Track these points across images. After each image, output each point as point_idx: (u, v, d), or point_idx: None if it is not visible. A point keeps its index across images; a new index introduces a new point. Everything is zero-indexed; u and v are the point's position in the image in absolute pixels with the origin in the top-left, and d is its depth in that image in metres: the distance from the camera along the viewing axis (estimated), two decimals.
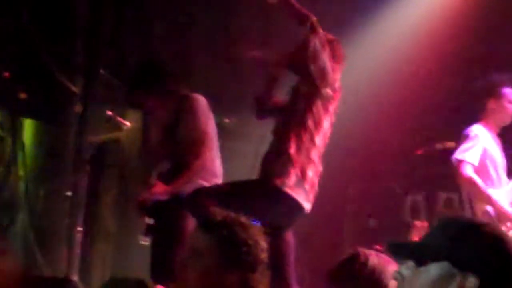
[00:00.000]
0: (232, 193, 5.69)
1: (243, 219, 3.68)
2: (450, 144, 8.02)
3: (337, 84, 5.90)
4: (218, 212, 3.76)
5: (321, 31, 5.74)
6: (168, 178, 6.05)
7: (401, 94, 8.82)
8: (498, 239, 2.25)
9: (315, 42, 5.67)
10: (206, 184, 6.02)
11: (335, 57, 5.91)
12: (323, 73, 5.73)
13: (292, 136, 5.68)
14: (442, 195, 8.02)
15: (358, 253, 3.52)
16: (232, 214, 3.68)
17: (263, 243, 3.60)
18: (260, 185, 5.79)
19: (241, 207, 5.26)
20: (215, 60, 8.21)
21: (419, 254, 2.25)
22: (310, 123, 5.72)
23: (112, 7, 7.76)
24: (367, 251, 3.54)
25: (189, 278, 3.59)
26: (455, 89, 8.77)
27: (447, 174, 8.05)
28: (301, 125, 5.71)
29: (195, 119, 6.03)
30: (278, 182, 5.62)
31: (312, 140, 5.75)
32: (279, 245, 5.67)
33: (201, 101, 6.12)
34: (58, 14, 7.31)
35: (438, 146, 7.88)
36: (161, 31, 8.16)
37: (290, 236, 5.91)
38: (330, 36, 5.96)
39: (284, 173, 5.62)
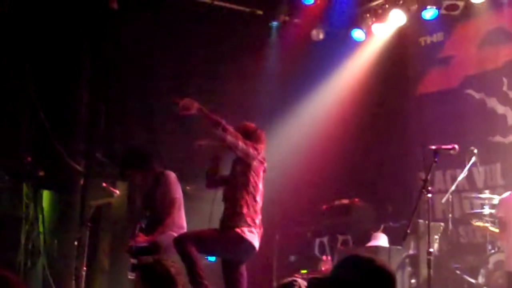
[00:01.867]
0: (206, 238, 6.43)
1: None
2: (345, 201, 9.22)
3: (261, 157, 6.57)
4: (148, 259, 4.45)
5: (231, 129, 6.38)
6: (147, 231, 7.03)
7: (311, 164, 9.97)
8: (383, 269, 2.80)
9: (228, 138, 6.37)
10: (175, 234, 6.79)
11: (258, 140, 6.65)
12: (246, 153, 6.45)
13: (241, 199, 6.44)
14: (340, 237, 9.24)
15: (295, 280, 4.05)
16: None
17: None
18: (225, 233, 6.42)
19: (212, 248, 6.40)
20: (177, 145, 9.14)
21: (331, 285, 2.78)
22: (250, 188, 6.51)
23: (103, 111, 8.82)
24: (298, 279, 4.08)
25: None
26: (349, 159, 10.20)
27: (343, 222, 9.24)
28: (245, 190, 6.48)
29: (167, 189, 7.07)
30: (238, 231, 6.35)
31: (254, 199, 6.52)
32: (236, 277, 6.54)
33: (172, 175, 7.19)
34: (65, 115, 8.43)
35: (337, 202, 9.30)
36: (137, 127, 9.22)
37: (243, 269, 6.59)
38: (253, 126, 6.76)
39: (241, 225, 6.38)
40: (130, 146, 7.75)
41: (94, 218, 7.97)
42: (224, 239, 6.45)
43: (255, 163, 6.56)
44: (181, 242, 6.35)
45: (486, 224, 7.77)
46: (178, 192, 7.19)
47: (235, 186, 6.56)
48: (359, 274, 2.77)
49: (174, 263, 4.36)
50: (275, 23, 10.55)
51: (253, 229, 6.47)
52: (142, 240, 7.00)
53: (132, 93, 9.51)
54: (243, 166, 6.55)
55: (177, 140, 9.28)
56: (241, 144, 6.42)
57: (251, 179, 6.55)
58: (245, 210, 6.46)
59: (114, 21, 9.21)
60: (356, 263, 2.82)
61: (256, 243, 6.47)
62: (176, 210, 7.13)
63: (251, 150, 6.48)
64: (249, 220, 6.46)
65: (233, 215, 6.48)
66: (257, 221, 6.53)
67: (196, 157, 8.32)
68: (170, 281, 4.15)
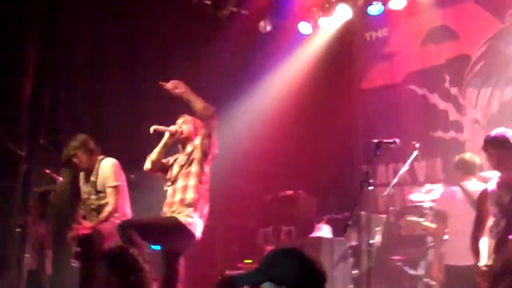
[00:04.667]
0: (150, 226, 6.38)
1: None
2: (289, 192, 9.33)
3: (216, 150, 6.61)
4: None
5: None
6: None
7: (256, 155, 10.03)
8: (303, 258, 2.78)
9: (215, 123, 6.48)
10: (118, 221, 6.71)
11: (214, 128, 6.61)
12: (209, 144, 6.51)
13: (193, 188, 6.43)
14: (284, 228, 9.23)
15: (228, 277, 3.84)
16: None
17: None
18: (171, 221, 6.36)
19: (156, 236, 6.30)
20: (124, 132, 9.13)
21: (252, 279, 2.79)
22: (203, 178, 6.52)
23: (49, 91, 8.68)
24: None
25: None
26: (293, 152, 10.32)
27: (287, 213, 9.32)
28: (198, 179, 6.48)
29: (110, 176, 7.08)
30: (183, 220, 6.30)
31: (206, 189, 6.55)
32: (175, 266, 6.47)
33: (114, 162, 7.20)
34: (8, 99, 8.23)
35: (281, 194, 9.40)
36: (84, 113, 9.11)
37: (182, 259, 6.51)
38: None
39: (188, 214, 6.36)
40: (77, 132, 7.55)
41: (37, 204, 7.92)
42: (168, 227, 6.42)
43: (210, 156, 6.62)
44: (124, 228, 6.28)
45: (419, 219, 7.82)
46: (120, 179, 7.19)
47: (188, 173, 6.56)
48: (275, 265, 2.79)
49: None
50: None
51: (200, 220, 6.48)
52: (85, 226, 6.98)
53: (80, 78, 9.36)
54: (200, 155, 6.58)
55: (124, 127, 9.25)
56: (212, 137, 6.53)
57: (205, 169, 6.59)
58: (195, 199, 6.46)
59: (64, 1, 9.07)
60: (278, 256, 2.83)
61: (199, 234, 6.48)
62: (120, 197, 7.12)
63: (213, 143, 6.57)
64: (197, 209, 6.46)
65: (182, 202, 6.48)
66: (205, 211, 6.56)
67: (142, 145, 8.27)
68: (138, 268, 4.18)
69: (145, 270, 4.18)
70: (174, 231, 6.40)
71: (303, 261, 2.78)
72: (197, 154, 6.59)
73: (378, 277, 7.09)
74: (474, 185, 7.12)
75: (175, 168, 6.70)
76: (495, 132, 5.78)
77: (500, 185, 5.73)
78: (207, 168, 6.62)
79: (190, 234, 6.41)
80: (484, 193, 5.87)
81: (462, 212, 6.98)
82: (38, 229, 8.77)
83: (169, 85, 6.62)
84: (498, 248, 5.58)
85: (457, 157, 7.51)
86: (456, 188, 7.34)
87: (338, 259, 8.05)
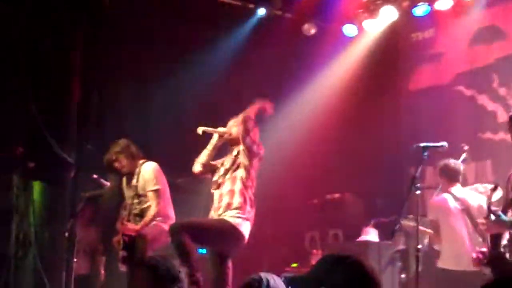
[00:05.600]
0: (201, 228, 6.47)
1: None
2: (336, 195, 9.41)
3: (262, 153, 6.73)
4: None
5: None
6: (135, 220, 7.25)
7: (303, 158, 10.10)
8: (360, 266, 2.76)
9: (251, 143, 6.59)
10: (161, 224, 7.07)
11: (256, 132, 6.77)
12: (255, 153, 6.63)
13: (239, 192, 6.51)
14: (331, 231, 9.32)
15: (260, 277, 4.04)
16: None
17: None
18: (221, 224, 6.46)
19: (207, 239, 6.41)
20: (169, 137, 9.21)
21: (306, 284, 2.77)
22: (249, 183, 6.60)
23: (96, 97, 8.80)
24: (266, 275, 4.08)
25: None
26: (340, 155, 10.29)
27: (334, 216, 9.43)
28: (243, 184, 6.56)
29: (151, 180, 7.27)
30: (234, 223, 6.41)
31: (251, 193, 6.63)
32: (225, 270, 6.58)
33: (154, 165, 7.37)
34: (57, 106, 8.41)
35: (328, 197, 9.46)
36: (130, 119, 9.21)
37: (230, 263, 6.63)
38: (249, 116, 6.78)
39: (237, 217, 6.45)
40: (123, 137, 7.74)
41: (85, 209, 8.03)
42: (219, 228, 6.50)
43: (255, 161, 6.72)
44: (176, 231, 6.37)
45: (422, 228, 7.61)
46: (161, 182, 7.34)
47: (234, 178, 6.64)
48: (335, 273, 2.77)
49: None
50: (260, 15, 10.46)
51: (248, 222, 6.57)
52: (129, 229, 7.18)
53: (126, 85, 9.47)
54: (245, 160, 6.65)
55: (170, 132, 9.31)
56: (255, 146, 6.67)
57: (252, 174, 6.67)
58: (242, 203, 6.54)
59: (108, 13, 9.11)
60: (334, 263, 2.82)
61: (247, 235, 6.58)
62: (161, 200, 7.28)
63: (259, 151, 6.70)
64: (245, 213, 6.54)
65: (229, 206, 6.55)
66: (251, 214, 6.63)
67: (188, 150, 8.40)
68: (177, 279, 4.25)
69: (183, 282, 4.25)
70: (225, 232, 6.49)
71: (359, 269, 2.77)
72: (242, 159, 6.66)
73: (426, 281, 7.03)
74: (461, 192, 7.27)
75: (221, 172, 6.78)
76: None
77: None
78: (253, 172, 6.69)
79: (240, 235, 6.51)
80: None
81: (455, 219, 7.12)
82: (88, 234, 8.99)
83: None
84: None
85: (441, 163, 7.54)
86: (447, 196, 7.38)
87: (385, 264, 8.00)
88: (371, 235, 8.53)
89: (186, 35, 9.88)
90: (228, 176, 6.69)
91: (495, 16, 9.57)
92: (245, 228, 6.55)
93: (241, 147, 6.68)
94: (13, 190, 7.62)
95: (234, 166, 6.70)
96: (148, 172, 7.37)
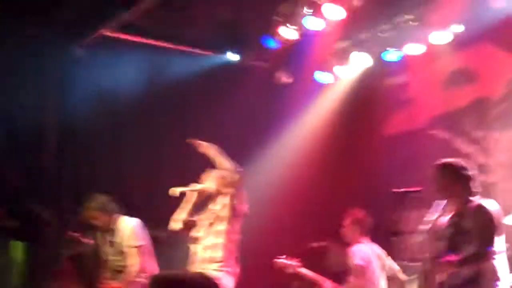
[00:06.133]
0: (178, 281, 6.35)
1: None
2: (320, 243, 9.20)
3: (246, 206, 6.67)
4: None
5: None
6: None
7: (283, 206, 10.11)
8: None
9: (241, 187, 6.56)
10: (145, 281, 6.78)
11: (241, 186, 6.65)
12: (239, 202, 6.58)
13: (224, 247, 6.44)
14: None
15: None
16: None
17: None
18: (199, 277, 6.34)
19: None
20: (148, 191, 9.23)
21: None
22: (233, 237, 6.53)
23: (70, 165, 8.95)
24: None
25: None
26: (318, 200, 10.27)
27: (319, 264, 9.19)
28: (228, 239, 6.49)
29: (131, 237, 7.23)
30: (218, 279, 6.32)
31: (236, 246, 6.55)
32: None
33: (135, 222, 7.37)
34: (33, 165, 8.53)
35: (312, 245, 9.23)
36: (107, 170, 9.19)
37: None
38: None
39: (219, 271, 6.38)
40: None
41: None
42: (199, 283, 6.41)
43: (242, 212, 6.68)
44: (158, 284, 6.32)
45: None
46: (144, 238, 7.31)
47: (217, 232, 6.57)
48: None
49: None
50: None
51: (231, 277, 6.50)
52: None
53: (100, 141, 9.41)
54: (230, 213, 6.60)
55: (148, 186, 9.31)
56: (241, 196, 6.62)
57: (235, 227, 6.62)
58: (225, 257, 6.49)
59: (80, 69, 9.23)
60: None
61: None
62: (144, 257, 7.23)
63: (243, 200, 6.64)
64: (228, 266, 6.49)
65: (212, 260, 6.49)
66: (236, 270, 6.59)
67: (166, 202, 8.36)
68: None
69: None
70: (201, 285, 6.39)
71: None
72: (226, 212, 6.58)
73: None
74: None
75: (203, 225, 6.69)
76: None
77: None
78: (237, 225, 6.61)
79: None
80: None
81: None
82: None
83: (200, 144, 6.70)
84: None
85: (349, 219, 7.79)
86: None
87: None
88: None
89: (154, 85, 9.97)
90: (211, 229, 6.62)
91: (466, 58, 9.71)
92: (227, 283, 6.47)
93: (225, 201, 6.62)
94: None
95: (217, 219, 6.62)
96: (126, 228, 7.34)
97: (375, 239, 8.29)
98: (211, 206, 6.77)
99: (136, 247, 7.23)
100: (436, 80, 10.02)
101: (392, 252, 7.43)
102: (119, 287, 7.13)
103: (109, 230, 7.44)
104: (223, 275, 6.43)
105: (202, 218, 6.76)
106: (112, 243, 7.37)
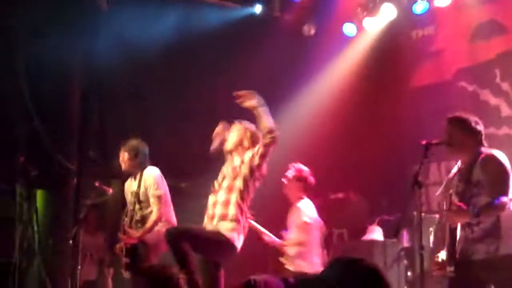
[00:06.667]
0: (196, 237, 6.35)
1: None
2: (340, 194, 9.42)
3: (265, 170, 6.60)
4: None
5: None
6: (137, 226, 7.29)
7: (305, 158, 9.02)
8: (372, 269, 2.75)
9: (270, 149, 6.47)
10: (163, 230, 6.79)
11: (256, 142, 6.65)
12: (260, 164, 6.50)
13: (236, 204, 6.41)
14: (336, 231, 9.31)
15: (254, 280, 4.01)
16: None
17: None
18: (216, 236, 6.36)
19: (200, 248, 6.29)
20: (171, 143, 9.25)
21: (318, 286, 2.74)
22: (246, 195, 6.49)
23: (97, 105, 8.97)
24: (259, 278, 4.05)
25: None
26: (342, 154, 10.23)
27: (338, 215, 9.42)
28: (240, 196, 6.45)
29: (153, 186, 7.28)
30: (231, 237, 6.34)
31: (247, 206, 6.54)
32: (216, 276, 6.54)
33: (155, 171, 7.39)
34: (58, 114, 8.54)
35: (332, 196, 9.40)
36: (131, 125, 9.11)
37: (222, 270, 6.58)
38: (252, 128, 6.73)
39: (234, 231, 6.38)
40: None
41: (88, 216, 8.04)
42: (214, 242, 6.43)
43: (257, 174, 6.60)
44: (174, 237, 6.31)
45: None
46: (163, 187, 7.33)
47: (231, 188, 6.54)
48: (348, 275, 2.73)
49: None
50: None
51: (242, 236, 6.50)
52: (131, 237, 7.20)
53: (126, 92, 9.48)
54: (247, 172, 6.55)
55: (172, 137, 9.34)
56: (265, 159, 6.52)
57: (250, 187, 6.56)
58: (237, 216, 6.46)
59: (105, 20, 9.20)
60: (347, 265, 2.79)
61: (239, 247, 6.51)
62: (163, 206, 7.26)
63: (263, 166, 6.56)
64: (240, 226, 6.47)
65: (223, 217, 6.48)
66: (246, 227, 6.60)
67: (189, 155, 8.49)
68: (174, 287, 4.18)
69: None
70: (219, 245, 6.42)
71: (373, 273, 2.75)
72: (244, 169, 6.56)
73: (432, 279, 6.98)
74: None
75: (220, 177, 6.69)
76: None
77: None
78: (251, 186, 6.57)
79: (234, 249, 6.45)
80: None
81: None
82: (95, 240, 9.02)
83: (245, 93, 6.59)
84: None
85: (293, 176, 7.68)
86: None
87: (391, 262, 7.97)
88: (376, 233, 8.52)
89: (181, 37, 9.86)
90: (225, 183, 6.60)
91: (494, 11, 9.56)
92: (239, 242, 6.49)
93: (245, 157, 6.59)
94: (16, 199, 7.64)
95: (234, 174, 6.59)
96: (149, 177, 7.36)
97: (400, 191, 8.31)
98: (231, 159, 6.76)
99: (155, 196, 7.25)
100: (464, 32, 9.86)
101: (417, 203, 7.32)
102: (138, 235, 7.17)
103: (134, 177, 7.48)
104: (236, 236, 6.45)
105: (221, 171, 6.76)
106: (133, 192, 7.40)
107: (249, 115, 6.72)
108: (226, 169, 6.69)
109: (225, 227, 6.41)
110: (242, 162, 6.56)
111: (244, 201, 6.50)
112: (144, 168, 7.44)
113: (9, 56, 8.36)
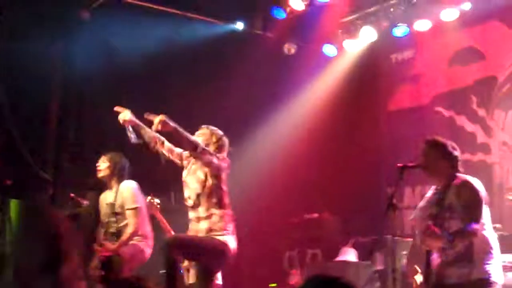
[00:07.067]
0: (194, 245, 6.44)
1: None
2: (315, 215, 9.41)
3: (228, 165, 6.64)
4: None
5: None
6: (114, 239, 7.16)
7: (281, 178, 10.00)
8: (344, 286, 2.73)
9: (207, 158, 6.47)
10: (140, 243, 7.07)
11: (222, 148, 6.71)
12: (218, 168, 6.53)
13: (220, 216, 6.47)
14: (310, 251, 9.32)
15: None
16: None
17: None
18: (212, 241, 6.41)
19: (196, 255, 6.40)
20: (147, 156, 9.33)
21: None
22: (226, 200, 6.56)
23: (74, 116, 8.90)
24: None
25: None
26: (319, 174, 10.28)
27: (313, 236, 9.43)
28: (222, 207, 6.52)
29: (130, 199, 7.22)
30: (224, 240, 6.38)
31: (229, 208, 6.58)
32: (212, 281, 6.58)
33: (133, 184, 7.32)
34: (35, 123, 8.32)
35: (306, 216, 9.47)
36: (108, 136, 8.64)
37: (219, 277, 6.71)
38: (219, 133, 6.77)
39: (225, 234, 6.43)
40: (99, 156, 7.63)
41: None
42: (210, 246, 6.47)
43: (224, 174, 6.62)
44: (170, 247, 6.30)
45: None
46: (139, 201, 7.28)
47: (209, 204, 6.56)
48: None
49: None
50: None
51: (234, 236, 6.55)
52: (106, 249, 7.13)
53: (106, 101, 9.37)
54: (214, 177, 6.57)
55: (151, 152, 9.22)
56: (215, 161, 6.51)
57: (223, 188, 6.60)
58: (223, 226, 6.50)
59: (85, 29, 9.16)
60: (324, 284, 2.78)
61: (234, 248, 6.55)
62: (139, 219, 7.21)
63: (222, 164, 6.58)
64: (228, 229, 6.52)
65: (210, 231, 6.51)
66: (233, 228, 6.61)
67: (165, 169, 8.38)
68: None
69: None
70: (215, 248, 6.46)
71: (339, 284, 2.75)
72: (212, 181, 6.58)
73: None
74: None
75: (188, 191, 6.69)
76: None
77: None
78: (225, 187, 6.62)
79: (229, 251, 6.49)
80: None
81: None
82: None
83: (157, 118, 6.49)
84: None
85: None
86: None
87: (364, 283, 7.99)
88: (349, 255, 8.55)
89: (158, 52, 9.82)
90: (201, 199, 6.60)
91: (473, 37, 9.69)
92: (233, 243, 6.54)
93: (205, 170, 6.61)
94: None
95: (206, 190, 6.58)
96: (126, 190, 7.32)
97: (375, 213, 8.30)
98: (190, 168, 6.80)
99: (132, 209, 7.22)
100: (443, 57, 9.97)
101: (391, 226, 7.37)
102: (114, 248, 7.11)
103: (109, 188, 7.45)
104: (229, 238, 6.50)
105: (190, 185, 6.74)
106: (110, 204, 7.36)
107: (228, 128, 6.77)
108: (191, 181, 6.70)
109: (215, 234, 6.47)
110: (206, 176, 6.57)
111: (226, 208, 6.56)
112: (122, 181, 7.39)
113: None
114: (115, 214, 7.30)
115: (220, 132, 6.81)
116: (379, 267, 8.16)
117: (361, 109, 10.49)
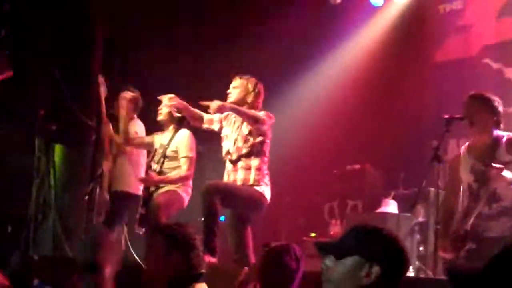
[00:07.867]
0: (231, 192, 6.62)
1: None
2: (356, 166, 9.32)
3: (272, 121, 6.79)
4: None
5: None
6: None
7: (324, 129, 10.02)
8: (392, 238, 2.74)
9: (264, 126, 6.64)
10: (179, 190, 7.18)
11: (259, 94, 6.89)
12: (263, 124, 6.67)
13: (256, 170, 6.66)
14: (350, 202, 9.35)
15: (288, 245, 4.28)
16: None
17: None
18: (249, 190, 6.63)
19: (236, 203, 6.58)
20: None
21: (337, 250, 2.69)
22: (265, 148, 6.74)
23: (118, 65, 8.92)
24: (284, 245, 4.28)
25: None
26: (362, 125, 10.21)
27: (353, 187, 9.39)
28: (261, 161, 6.72)
29: (187, 147, 7.33)
30: (260, 189, 6.61)
31: (268, 159, 6.79)
32: (246, 234, 6.77)
33: (190, 134, 7.41)
34: (80, 71, 8.57)
35: (348, 167, 9.40)
36: (155, 82, 8.92)
37: (249, 228, 6.82)
38: (253, 79, 6.91)
39: (261, 184, 6.66)
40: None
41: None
42: (248, 194, 6.62)
43: (269, 130, 6.77)
44: (210, 192, 6.44)
45: None
46: (194, 151, 7.38)
47: (248, 155, 6.70)
48: (366, 242, 2.70)
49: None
50: None
51: (269, 187, 6.69)
52: (151, 179, 7.22)
53: (149, 52, 9.44)
54: (259, 134, 6.73)
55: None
56: (266, 124, 6.66)
57: (266, 141, 6.73)
58: (259, 178, 6.65)
59: None
60: (369, 233, 2.76)
61: (268, 199, 6.72)
62: (191, 168, 7.31)
63: (266, 121, 6.68)
64: (266, 179, 6.67)
65: (246, 181, 6.66)
66: (269, 184, 6.75)
67: None
68: (196, 246, 4.15)
69: (199, 249, 4.15)
70: (252, 197, 6.63)
71: (394, 242, 2.74)
72: (256, 137, 6.74)
73: None
74: None
75: (231, 147, 6.83)
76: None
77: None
78: (268, 139, 6.77)
79: (265, 201, 6.68)
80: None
81: None
82: None
83: (214, 103, 6.64)
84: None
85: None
86: None
87: (404, 236, 7.92)
88: (390, 206, 8.47)
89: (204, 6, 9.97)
90: (242, 151, 6.77)
91: None
92: (268, 194, 6.68)
93: (250, 127, 6.75)
94: (35, 152, 7.60)
95: (248, 144, 6.76)
96: (184, 137, 7.37)
97: (418, 165, 8.22)
98: (232, 121, 6.97)
99: (187, 157, 7.29)
100: (492, 8, 9.72)
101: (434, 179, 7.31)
102: (160, 179, 7.22)
103: (166, 130, 7.53)
104: (264, 188, 6.67)
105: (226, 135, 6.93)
106: (162, 146, 7.41)
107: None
108: (232, 135, 6.84)
109: (256, 183, 6.68)
110: (250, 132, 6.72)
111: (263, 156, 6.73)
112: (179, 128, 7.46)
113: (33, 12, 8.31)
114: (165, 156, 7.33)
115: (254, 79, 6.87)
116: (420, 219, 8.12)
117: (407, 59, 10.27)
